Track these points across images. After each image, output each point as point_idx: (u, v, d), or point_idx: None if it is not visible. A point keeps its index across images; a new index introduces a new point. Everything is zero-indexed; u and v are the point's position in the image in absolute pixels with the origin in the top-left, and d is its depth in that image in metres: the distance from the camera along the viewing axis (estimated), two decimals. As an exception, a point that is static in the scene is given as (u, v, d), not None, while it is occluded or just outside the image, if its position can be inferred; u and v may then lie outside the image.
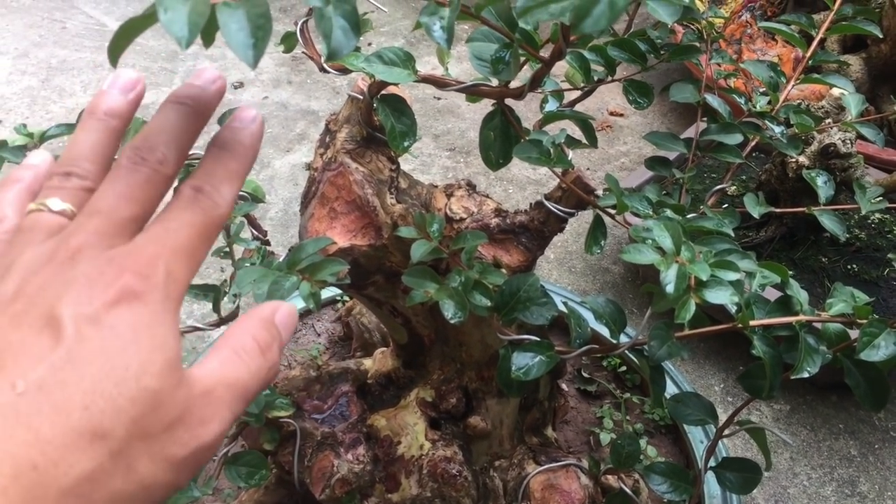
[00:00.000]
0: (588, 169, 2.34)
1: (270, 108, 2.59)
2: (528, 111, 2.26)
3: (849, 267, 1.67)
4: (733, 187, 1.86)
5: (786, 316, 0.85)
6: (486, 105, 0.92)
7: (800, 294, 0.88)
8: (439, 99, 2.64)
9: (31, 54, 2.80)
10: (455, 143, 2.44)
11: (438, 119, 2.55)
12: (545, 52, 0.84)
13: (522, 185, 2.27)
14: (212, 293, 0.99)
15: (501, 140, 0.92)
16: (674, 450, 1.39)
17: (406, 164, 2.32)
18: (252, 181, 1.10)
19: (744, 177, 1.92)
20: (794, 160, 1.63)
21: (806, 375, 0.81)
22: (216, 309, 1.00)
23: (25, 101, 2.55)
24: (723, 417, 0.93)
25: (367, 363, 1.24)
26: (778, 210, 1.07)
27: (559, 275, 1.97)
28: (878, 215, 1.79)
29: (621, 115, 2.55)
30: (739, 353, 1.73)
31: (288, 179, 2.29)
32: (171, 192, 0.43)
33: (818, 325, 0.85)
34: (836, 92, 1.63)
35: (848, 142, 1.60)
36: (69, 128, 1.03)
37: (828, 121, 1.59)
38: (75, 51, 2.82)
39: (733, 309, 0.81)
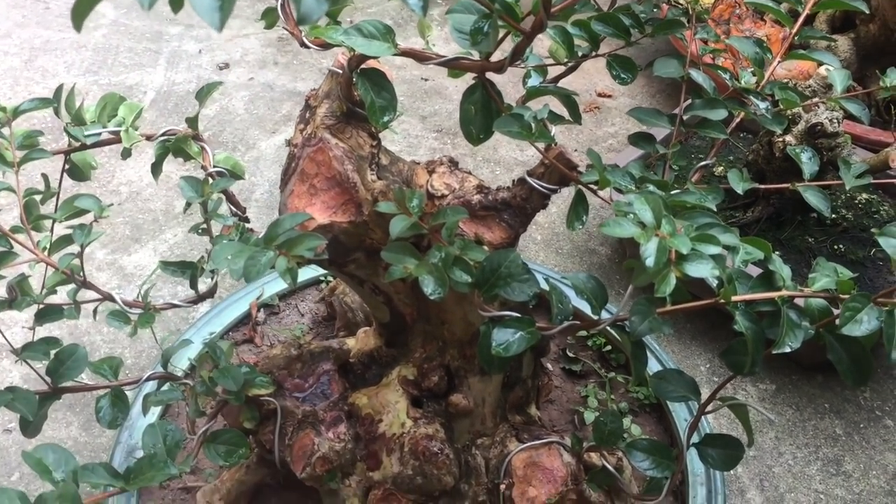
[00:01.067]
0: (575, 150, 2.33)
1: (256, 89, 2.57)
2: (511, 89, 2.24)
3: (835, 247, 1.67)
4: (720, 168, 1.86)
5: (768, 291, 0.85)
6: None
7: (783, 269, 0.87)
8: (426, 80, 2.62)
9: (13, 35, 2.76)
10: (442, 125, 2.43)
11: (426, 100, 2.53)
12: (526, 25, 0.83)
13: (510, 166, 2.25)
14: (189, 270, 0.98)
15: (482, 114, 0.91)
16: (658, 429, 1.39)
17: (393, 145, 2.30)
18: (231, 157, 1.09)
19: (731, 157, 1.91)
20: (780, 139, 1.62)
21: (787, 350, 0.81)
22: (193, 286, 0.98)
23: (8, 81, 2.52)
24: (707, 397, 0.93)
25: (350, 342, 1.23)
26: (762, 186, 1.06)
27: (546, 256, 1.96)
28: (865, 195, 1.78)
29: (609, 96, 2.53)
30: (725, 334, 1.72)
31: (273, 161, 2.27)
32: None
33: (801, 302, 0.84)
34: (823, 71, 1.62)
35: (835, 121, 1.59)
36: (43, 101, 1.01)
37: (814, 99, 1.58)
38: (58, 31, 2.79)
39: (714, 283, 0.80)
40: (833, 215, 1.73)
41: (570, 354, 1.50)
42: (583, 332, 1.53)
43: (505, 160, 2.27)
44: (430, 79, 2.62)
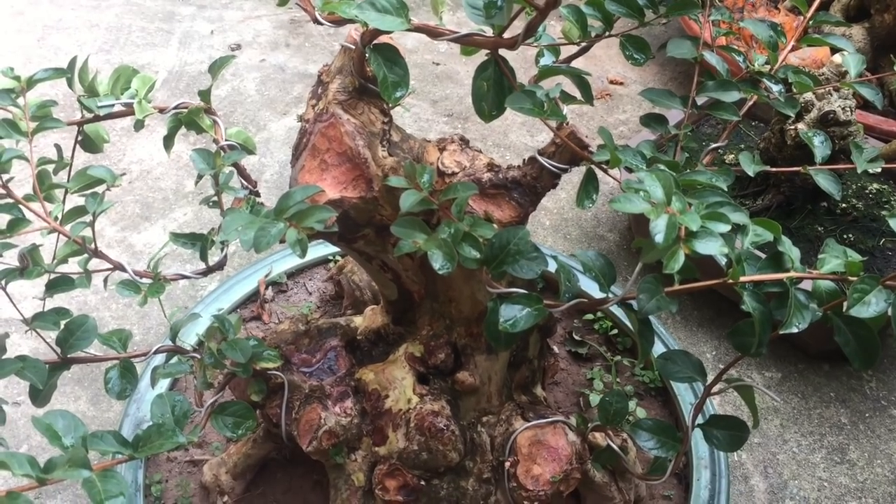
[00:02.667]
0: (585, 137, 2.32)
1: (267, 70, 2.57)
2: (523, 70, 2.23)
3: (845, 236, 1.66)
4: (731, 155, 1.85)
5: (777, 272, 0.85)
6: None
7: (791, 251, 0.87)
8: (438, 65, 2.61)
9: (26, 13, 2.77)
10: (453, 109, 2.42)
11: (437, 85, 2.53)
12: (540, 1, 0.83)
13: (520, 151, 2.25)
14: (199, 242, 0.98)
15: (495, 91, 0.91)
16: (663, 412, 1.39)
17: (403, 128, 2.30)
18: (243, 132, 1.09)
19: (741, 145, 1.90)
20: (792, 127, 1.61)
21: (795, 330, 0.80)
22: (203, 257, 0.99)
23: (21, 59, 2.52)
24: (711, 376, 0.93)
25: (357, 320, 1.24)
26: (773, 169, 1.06)
27: (554, 241, 1.96)
28: (875, 186, 1.78)
29: (621, 83, 2.53)
30: (732, 321, 1.71)
31: (284, 142, 2.28)
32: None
33: (809, 286, 0.84)
34: (836, 59, 1.61)
35: (847, 109, 1.58)
36: (57, 72, 1.02)
37: (828, 85, 1.57)
38: (71, 10, 2.79)
39: (723, 261, 0.80)
40: (843, 205, 1.72)
41: (577, 337, 1.50)
42: (589, 316, 1.53)
43: (515, 145, 2.27)
44: (442, 63, 2.61)
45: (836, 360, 1.65)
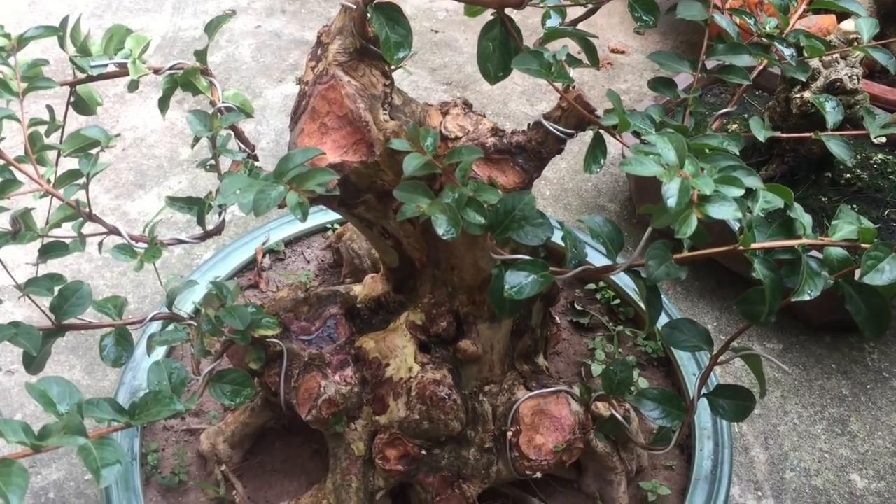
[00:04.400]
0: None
1: (263, 37, 2.52)
2: (527, 32, 2.20)
3: (849, 207, 1.64)
4: (735, 125, 1.82)
5: (788, 239, 0.83)
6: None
7: (803, 217, 0.85)
8: (436, 32, 2.57)
9: (17, -23, 2.72)
10: (452, 77, 2.39)
11: (435, 53, 2.49)
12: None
13: (520, 121, 2.22)
14: (196, 206, 0.96)
15: (501, 52, 0.89)
16: (666, 382, 1.38)
17: (401, 96, 2.27)
18: (240, 94, 1.06)
19: (745, 115, 1.87)
20: (798, 96, 1.59)
21: (807, 298, 0.79)
22: (201, 222, 0.97)
23: (11, 23, 2.48)
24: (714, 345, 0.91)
25: (357, 288, 1.22)
26: (784, 135, 1.04)
27: (554, 211, 1.94)
28: (880, 156, 1.76)
29: (623, 52, 2.49)
30: (733, 292, 1.71)
31: (280, 110, 2.24)
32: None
33: (818, 254, 0.82)
34: (844, 27, 1.59)
35: (854, 78, 1.56)
36: (48, 29, 0.99)
37: (836, 56, 1.55)
38: (63, -26, 2.74)
39: (736, 226, 0.78)
40: (847, 175, 1.70)
41: (579, 307, 1.48)
42: (591, 286, 1.51)
43: (515, 114, 2.24)
44: (441, 31, 2.57)
45: (838, 331, 1.64)
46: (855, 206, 1.65)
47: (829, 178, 1.70)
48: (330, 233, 1.58)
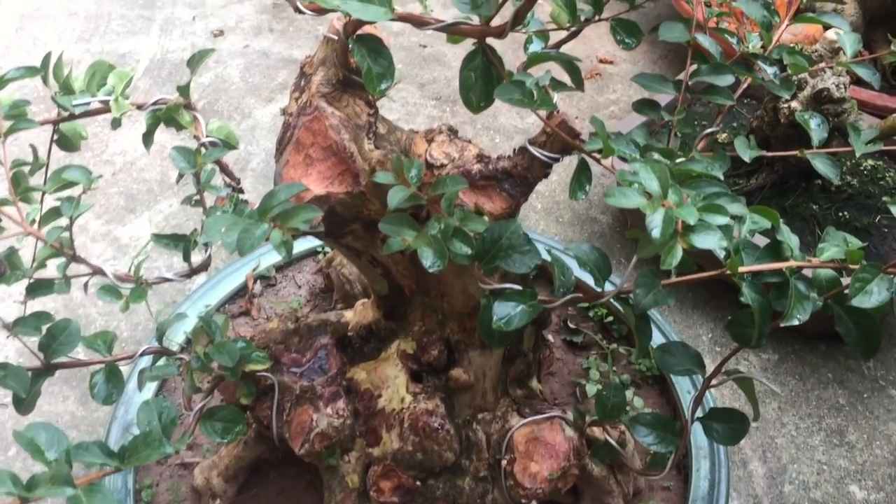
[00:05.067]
0: (576, 118, 2.30)
1: (251, 56, 2.52)
2: (511, 55, 2.20)
3: (840, 214, 1.64)
4: (724, 134, 1.82)
5: (776, 262, 0.82)
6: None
7: (790, 239, 0.85)
8: (425, 47, 2.57)
9: (3, 2, 2.71)
10: (441, 93, 2.39)
11: (424, 68, 2.49)
12: (527, -14, 0.80)
13: (510, 134, 2.22)
14: (181, 243, 0.95)
15: (483, 81, 0.88)
16: (661, 400, 1.37)
17: (391, 113, 2.26)
18: (224, 126, 1.06)
19: (734, 123, 1.88)
20: (786, 105, 1.59)
21: (796, 323, 0.79)
22: (186, 258, 0.96)
23: (-2, 50, 2.48)
24: (711, 367, 0.91)
25: (348, 315, 1.21)
26: (769, 154, 1.04)
27: (546, 225, 1.94)
28: (870, 162, 1.75)
29: (611, 62, 2.49)
30: (728, 302, 1.71)
31: (269, 130, 2.24)
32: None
33: (809, 272, 0.82)
34: (830, 35, 1.58)
35: (842, 86, 1.56)
36: (29, 70, 0.98)
37: (824, 64, 1.55)
38: (50, -2, 2.74)
39: (722, 255, 0.78)
40: (838, 182, 1.70)
41: (571, 325, 1.48)
42: (583, 304, 1.50)
43: (505, 128, 2.23)
44: (429, 45, 2.57)
45: (833, 340, 1.63)
46: (846, 213, 1.65)
47: (820, 186, 1.70)
48: (320, 257, 1.58)
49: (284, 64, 2.50)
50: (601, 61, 2.49)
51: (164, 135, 1.02)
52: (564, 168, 2.06)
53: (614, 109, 2.32)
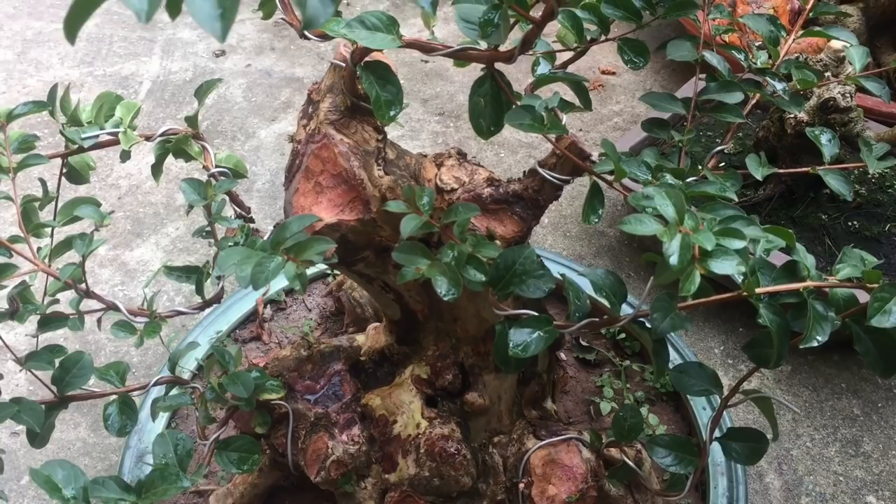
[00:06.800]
0: (580, 130, 2.30)
1: (253, 76, 2.52)
2: (518, 74, 2.20)
3: (849, 224, 1.64)
4: (730, 145, 1.82)
5: (793, 282, 0.82)
6: (476, 67, 0.87)
7: (806, 259, 0.84)
8: (427, 62, 2.58)
9: (5, 27, 2.72)
10: (444, 108, 2.39)
11: (426, 83, 2.49)
12: (536, 13, 0.80)
13: (514, 148, 2.22)
14: (194, 275, 0.95)
15: (492, 106, 0.88)
16: (675, 417, 1.36)
17: (394, 130, 2.26)
18: (233, 156, 1.06)
19: (741, 134, 1.87)
20: (792, 116, 1.58)
21: (815, 344, 0.78)
22: (199, 291, 0.96)
23: (1, 75, 2.48)
24: (724, 381, 0.90)
25: (360, 339, 1.21)
26: (781, 171, 1.03)
27: (554, 240, 1.93)
28: (878, 171, 1.75)
29: (613, 73, 2.49)
30: (739, 314, 1.70)
31: (274, 149, 2.24)
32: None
33: (826, 290, 0.81)
34: (835, 45, 1.58)
35: (848, 95, 1.55)
36: (37, 105, 0.98)
37: (827, 74, 1.55)
38: (51, 22, 2.74)
39: (740, 279, 0.77)
40: (850, 197, 1.69)
41: (584, 343, 1.47)
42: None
43: (509, 142, 2.23)
44: (431, 61, 2.57)
45: (846, 350, 1.62)
46: (856, 222, 1.64)
47: (828, 196, 1.69)
48: (330, 279, 1.58)
49: (287, 83, 2.51)
50: (603, 72, 2.49)
51: (169, 158, 1.02)
52: (570, 184, 2.05)
53: (618, 121, 2.32)
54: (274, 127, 2.33)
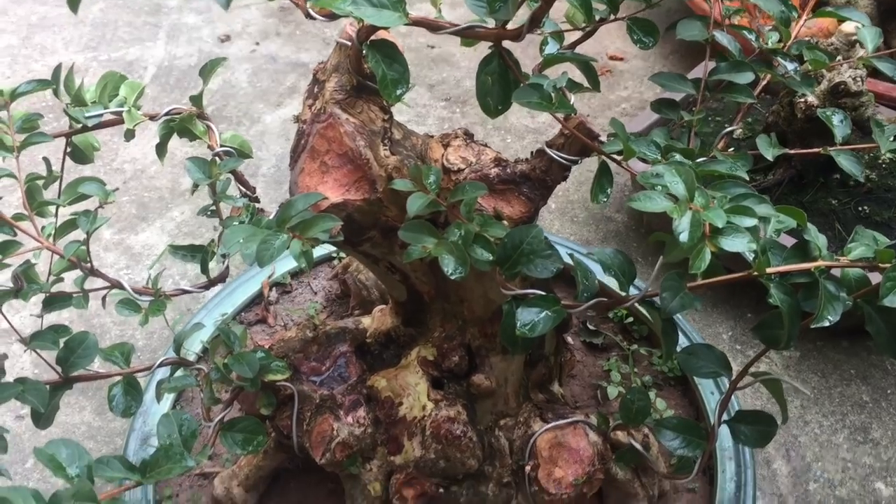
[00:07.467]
0: (588, 115, 2.27)
1: (259, 61, 2.51)
2: (525, 56, 2.18)
3: (859, 209, 1.62)
4: (739, 130, 1.80)
5: (804, 262, 0.81)
6: (482, 52, 0.86)
7: (818, 239, 0.83)
8: (433, 48, 2.56)
9: (9, 12, 2.71)
10: (450, 93, 2.37)
11: (433, 68, 2.48)
12: (545, -11, 0.79)
13: (521, 133, 2.21)
14: (199, 254, 0.95)
15: (500, 85, 0.87)
16: (683, 401, 1.35)
17: (400, 115, 2.25)
18: (238, 136, 1.05)
19: (750, 119, 1.86)
20: (802, 100, 1.57)
21: (826, 324, 0.77)
22: (204, 270, 0.95)
23: (6, 60, 2.47)
24: (732, 366, 0.89)
25: (366, 321, 1.20)
26: (792, 151, 1.02)
27: (561, 224, 1.92)
28: (888, 155, 1.73)
29: (621, 59, 2.47)
30: (747, 299, 1.69)
31: (279, 134, 2.23)
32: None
33: (836, 271, 0.80)
34: (846, 28, 1.57)
35: (858, 79, 1.54)
36: (41, 83, 0.97)
37: (838, 58, 1.53)
38: (55, 6, 2.73)
39: (750, 256, 0.76)
40: (861, 178, 1.67)
41: (591, 327, 1.46)
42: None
43: (516, 128, 2.22)
44: (437, 46, 2.56)
45: (855, 336, 1.61)
46: (866, 207, 1.63)
47: (838, 181, 1.68)
48: (336, 262, 1.57)
49: (292, 68, 2.50)
50: (611, 58, 2.47)
51: (174, 141, 1.01)
52: (578, 167, 2.04)
53: (626, 107, 2.30)
54: (279, 112, 2.32)
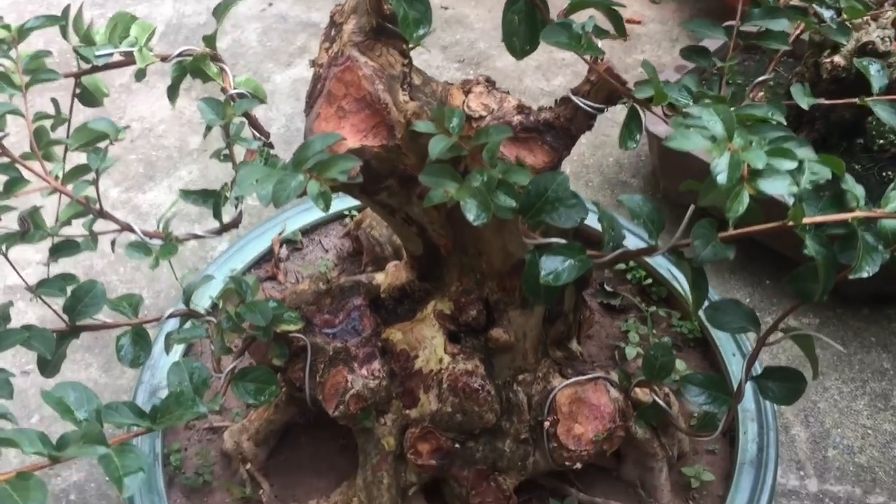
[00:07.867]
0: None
1: (269, 20, 2.47)
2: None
3: (883, 174, 1.59)
4: (761, 94, 1.76)
5: (841, 212, 0.77)
6: (496, 14, 0.83)
7: (856, 189, 0.80)
8: (446, 9, 2.51)
9: (17, -32, 2.67)
10: (464, 55, 2.33)
11: (446, 30, 2.43)
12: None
13: (535, 96, 2.17)
14: (211, 198, 0.92)
15: (526, 24, 0.83)
16: (703, 363, 1.33)
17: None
18: (252, 80, 1.02)
19: (771, 82, 1.82)
20: (828, 60, 1.53)
21: (865, 275, 0.74)
22: (217, 215, 0.92)
23: (12, 15, 2.43)
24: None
25: (380, 277, 1.17)
26: (827, 101, 0.98)
27: (575, 189, 1.88)
28: (913, 120, 1.69)
29: (638, 22, 2.42)
30: (766, 266, 1.65)
31: (289, 95, 2.20)
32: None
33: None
34: (875, -14, 1.52)
35: (887, 39, 1.49)
36: (50, 19, 0.94)
37: (866, 17, 1.49)
38: (63, -36, 2.69)
39: (790, 201, 0.73)
40: (880, 141, 1.64)
41: (609, 289, 1.43)
42: (621, 266, 1.45)
43: (530, 90, 2.18)
44: (451, 7, 2.51)
45: (876, 303, 1.59)
46: (890, 172, 1.59)
47: (862, 145, 1.64)
48: (348, 220, 1.54)
49: (303, 27, 2.45)
50: (628, 21, 2.42)
51: (182, 100, 0.98)
52: (593, 131, 2.00)
53: (643, 71, 2.26)
54: (289, 72, 2.28)
